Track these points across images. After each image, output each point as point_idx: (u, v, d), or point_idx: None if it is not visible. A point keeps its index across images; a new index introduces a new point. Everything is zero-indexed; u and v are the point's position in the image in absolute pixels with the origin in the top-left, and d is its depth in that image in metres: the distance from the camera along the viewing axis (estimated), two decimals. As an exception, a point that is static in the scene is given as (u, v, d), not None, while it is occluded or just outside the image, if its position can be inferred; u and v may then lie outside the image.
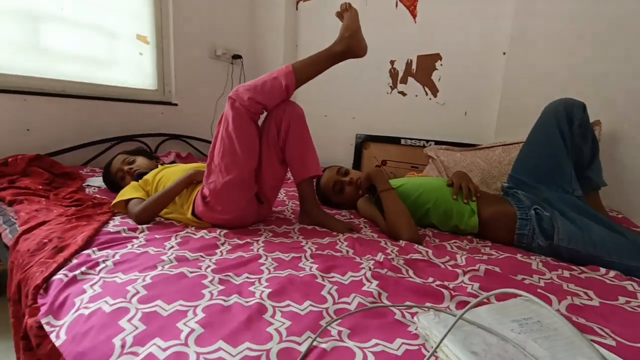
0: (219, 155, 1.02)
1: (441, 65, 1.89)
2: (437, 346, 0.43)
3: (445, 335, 0.43)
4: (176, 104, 2.18)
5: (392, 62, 2.06)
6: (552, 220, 0.93)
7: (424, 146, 1.89)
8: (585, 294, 0.72)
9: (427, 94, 1.95)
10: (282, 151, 1.07)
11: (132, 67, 2.02)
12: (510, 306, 0.62)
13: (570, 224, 0.90)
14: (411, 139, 1.95)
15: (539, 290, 0.71)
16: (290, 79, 1.01)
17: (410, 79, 2.01)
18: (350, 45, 1.06)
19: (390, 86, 2.09)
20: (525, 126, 1.22)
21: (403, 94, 2.05)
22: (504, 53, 1.65)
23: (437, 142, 1.86)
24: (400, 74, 2.04)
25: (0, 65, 1.51)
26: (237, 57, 2.47)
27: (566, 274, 0.82)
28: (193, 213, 1.05)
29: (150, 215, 1.04)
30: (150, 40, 2.08)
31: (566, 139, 1.02)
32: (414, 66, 1.99)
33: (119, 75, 1.95)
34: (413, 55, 1.98)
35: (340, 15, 1.08)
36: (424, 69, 1.95)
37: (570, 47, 1.45)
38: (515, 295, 0.66)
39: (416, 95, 1.99)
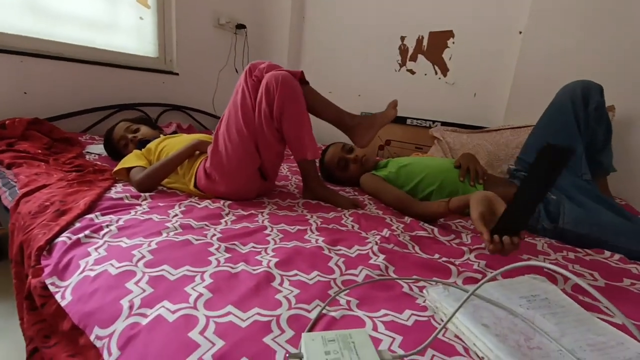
0: (225, 124, 1.00)
1: (453, 43, 1.83)
2: (451, 317, 0.42)
3: (459, 308, 0.42)
4: (177, 74, 2.11)
5: (402, 38, 1.99)
6: (559, 203, 0.92)
7: (429, 127, 1.86)
8: (591, 275, 0.72)
9: (436, 72, 1.90)
10: (277, 130, 1.02)
11: (132, 32, 1.94)
12: (518, 283, 0.62)
13: (578, 207, 0.90)
14: (417, 119, 1.92)
15: (545, 270, 0.71)
16: (298, 76, 1.03)
17: (420, 56, 1.95)
18: (358, 132, 1.07)
19: (399, 63, 2.03)
20: (535, 110, 1.19)
21: (412, 72, 1.99)
22: (520, 32, 1.59)
23: (443, 123, 1.83)
24: (410, 51, 1.98)
25: (-6, 23, 1.44)
26: (241, 26, 2.38)
27: (571, 255, 0.82)
28: (195, 185, 1.04)
29: (152, 184, 1.03)
30: (151, 4, 1.98)
31: (580, 121, 1.00)
32: (424, 43, 1.92)
33: (118, 40, 1.87)
34: (425, 32, 1.91)
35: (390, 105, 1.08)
36: (435, 47, 1.89)
37: (591, 27, 1.39)
38: (523, 272, 0.66)
39: (425, 74, 1.94)
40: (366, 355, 0.38)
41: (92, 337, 0.47)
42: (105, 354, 0.44)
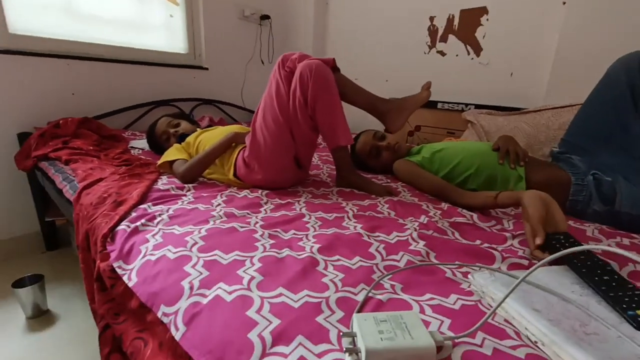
0: (261, 116, 1.03)
1: (487, 20, 1.73)
2: (503, 300, 0.42)
3: (511, 291, 0.42)
4: (207, 68, 2.17)
5: (431, 19, 1.91)
6: (614, 184, 0.87)
7: (462, 110, 1.79)
8: (648, 261, 0.68)
9: (469, 53, 1.81)
10: (311, 118, 1.04)
11: (163, 30, 2.01)
12: (568, 270, 0.60)
13: (637, 188, 0.84)
14: (449, 102, 1.85)
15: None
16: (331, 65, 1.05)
17: (451, 36, 1.87)
18: (390, 117, 1.07)
19: (429, 45, 1.96)
20: (581, 87, 1.11)
21: (442, 53, 1.91)
22: (564, 2, 1.47)
23: (477, 106, 1.76)
24: (440, 32, 1.90)
25: (39, 29, 1.54)
26: (265, 17, 2.39)
27: (626, 241, 0.78)
28: (235, 175, 1.08)
29: (194, 175, 1.08)
30: (179, 1, 2.04)
31: (637, 97, 0.92)
32: (455, 22, 1.83)
33: (151, 38, 1.95)
34: (455, 10, 1.82)
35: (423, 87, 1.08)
36: (467, 25, 1.80)
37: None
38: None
39: (457, 55, 1.86)
40: (419, 335, 0.39)
41: (159, 314, 0.52)
42: (172, 329, 0.49)
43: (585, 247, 0.44)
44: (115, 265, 0.65)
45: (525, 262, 0.64)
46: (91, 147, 1.29)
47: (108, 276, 0.65)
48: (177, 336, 0.48)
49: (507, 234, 0.77)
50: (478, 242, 0.74)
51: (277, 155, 1.03)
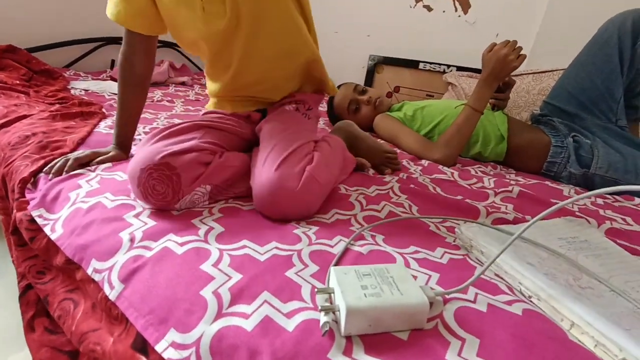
0: None
1: (478, -27, 1.62)
2: (498, 255, 0.37)
3: (507, 246, 0.37)
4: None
5: (420, -32, 1.76)
6: (592, 147, 0.85)
7: (444, 72, 1.72)
8: (623, 220, 0.67)
9: (456, 9, 1.71)
10: None
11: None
12: (553, 225, 0.58)
13: (614, 151, 0.83)
14: (431, 63, 1.76)
15: (576, 214, 0.67)
16: None
17: (439, -11, 1.74)
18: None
19: (415, -2, 1.82)
20: (565, 53, 1.07)
21: (429, 8, 1.79)
22: (558, -41, 1.39)
23: (459, 68, 1.69)
24: (428, -16, 1.76)
25: None
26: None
27: (600, 201, 0.77)
28: None
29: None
30: None
31: (625, 59, 0.89)
32: (445, -27, 1.70)
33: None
34: (446, -41, 1.68)
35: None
36: (457, -22, 1.67)
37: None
38: (558, 215, 0.61)
39: (444, 11, 1.74)
40: (409, 290, 0.33)
41: (89, 271, 0.42)
42: (106, 288, 0.39)
43: (578, 197, 0.39)
44: (34, 213, 0.52)
45: (510, 217, 0.60)
46: (17, 82, 1.07)
47: (26, 227, 0.52)
48: (112, 295, 0.39)
49: (489, 191, 0.73)
50: (460, 197, 0.69)
51: None
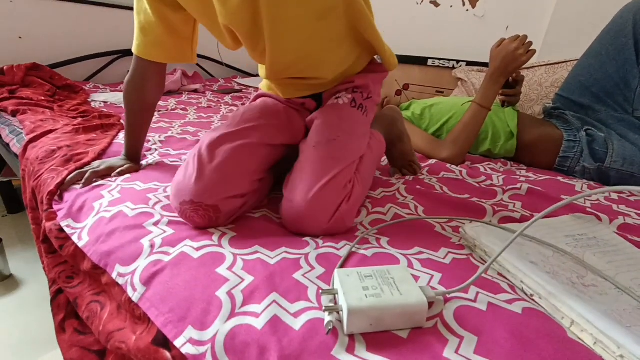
0: None
1: (485, -34, 1.59)
2: (500, 254, 0.38)
3: (509, 244, 0.38)
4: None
5: (425, -36, 1.75)
6: (607, 140, 0.83)
7: (453, 67, 1.70)
8: (638, 215, 0.66)
9: (464, 4, 1.69)
10: None
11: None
12: (561, 222, 0.57)
13: (630, 144, 0.81)
14: (440, 59, 1.75)
15: (587, 210, 0.66)
16: None
17: (445, -15, 1.72)
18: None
19: (421, -5, 1.81)
20: (577, 45, 1.04)
21: (436, 4, 1.77)
22: (568, -53, 1.36)
23: (469, 63, 1.67)
24: (434, -21, 1.74)
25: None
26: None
27: (614, 196, 0.76)
28: None
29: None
30: None
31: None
32: (452, -32, 1.68)
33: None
34: (452, -46, 1.66)
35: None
36: (463, -28, 1.66)
37: None
38: (566, 212, 0.61)
39: (451, 6, 1.73)
40: (409, 291, 0.34)
41: (114, 275, 0.46)
42: (129, 290, 0.43)
43: (582, 195, 0.39)
44: (62, 223, 0.56)
45: (518, 216, 0.61)
46: (42, 98, 1.14)
47: (55, 236, 0.57)
48: (135, 297, 0.42)
49: (498, 189, 0.73)
50: (467, 196, 0.70)
51: None
